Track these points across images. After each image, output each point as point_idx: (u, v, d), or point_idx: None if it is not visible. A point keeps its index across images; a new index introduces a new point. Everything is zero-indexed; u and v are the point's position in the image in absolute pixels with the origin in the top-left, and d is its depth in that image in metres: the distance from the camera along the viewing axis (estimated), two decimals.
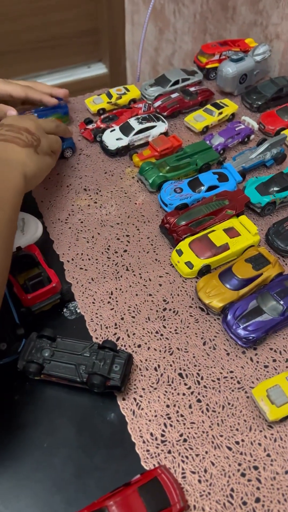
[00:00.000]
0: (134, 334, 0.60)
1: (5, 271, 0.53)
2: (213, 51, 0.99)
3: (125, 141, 0.82)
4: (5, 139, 0.62)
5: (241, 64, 0.93)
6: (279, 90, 0.93)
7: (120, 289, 0.64)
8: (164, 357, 0.57)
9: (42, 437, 0.51)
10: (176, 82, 0.95)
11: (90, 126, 0.86)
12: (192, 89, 0.94)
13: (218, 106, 0.90)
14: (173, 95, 0.92)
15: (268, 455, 0.50)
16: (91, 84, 1.89)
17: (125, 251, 0.69)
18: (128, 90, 0.94)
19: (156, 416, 0.53)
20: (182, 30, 1.40)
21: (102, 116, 0.88)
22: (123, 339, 0.59)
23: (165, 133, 0.86)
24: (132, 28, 1.74)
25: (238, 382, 0.56)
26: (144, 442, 0.51)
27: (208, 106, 0.90)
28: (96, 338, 0.59)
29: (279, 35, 1.02)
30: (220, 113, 0.89)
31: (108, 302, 0.63)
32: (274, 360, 0.58)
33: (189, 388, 0.55)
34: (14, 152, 0.62)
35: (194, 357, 0.58)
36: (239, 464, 0.50)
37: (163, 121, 0.86)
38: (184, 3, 1.33)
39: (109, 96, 0.92)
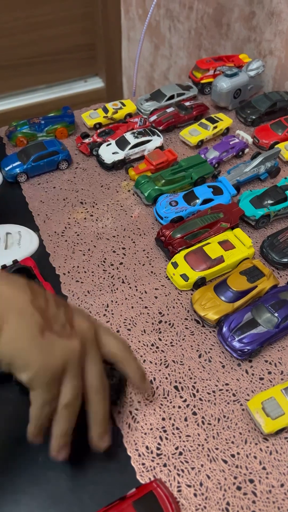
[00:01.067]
0: (129, 346, 0.60)
1: None
2: (208, 66, 1.00)
3: (121, 155, 0.83)
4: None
5: (235, 79, 0.95)
6: (272, 104, 0.94)
7: (116, 302, 0.64)
8: (159, 370, 0.58)
9: (38, 451, 0.51)
10: (172, 97, 0.96)
11: (86, 140, 0.87)
12: (187, 103, 0.95)
13: (213, 121, 0.91)
14: (169, 110, 0.93)
15: (264, 468, 0.50)
16: (87, 98, 1.91)
17: (121, 263, 0.69)
18: (124, 105, 0.95)
19: (151, 429, 0.53)
20: (177, 46, 1.43)
21: (98, 131, 0.89)
22: None
23: (161, 147, 0.87)
24: (128, 44, 1.77)
25: (234, 395, 0.56)
26: (139, 455, 0.51)
27: (203, 121, 0.91)
28: None
29: (272, 51, 1.04)
30: (215, 127, 0.90)
31: (104, 315, 0.63)
32: (269, 373, 0.58)
33: (185, 400, 0.55)
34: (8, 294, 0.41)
35: (189, 369, 0.58)
36: (235, 477, 0.49)
37: (158, 135, 0.87)
38: (179, 20, 1.35)
39: (105, 110, 0.94)
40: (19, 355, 0.40)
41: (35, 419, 0.42)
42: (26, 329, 0.39)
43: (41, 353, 0.40)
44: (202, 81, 1.01)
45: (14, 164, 0.80)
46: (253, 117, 0.94)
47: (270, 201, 0.74)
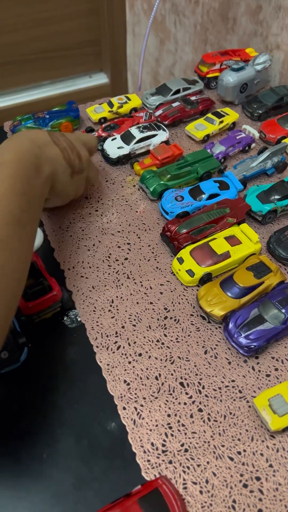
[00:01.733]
0: (135, 342, 0.59)
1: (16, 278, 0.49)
2: (214, 60, 0.99)
3: (126, 149, 0.83)
4: (58, 144, 0.62)
5: (241, 74, 0.93)
6: (279, 99, 0.93)
7: (121, 297, 0.64)
8: (165, 366, 0.57)
9: (42, 447, 0.51)
10: (177, 91, 0.96)
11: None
12: (193, 98, 0.94)
13: (219, 115, 0.90)
14: (174, 104, 0.92)
15: (271, 466, 0.49)
16: (92, 93, 1.91)
17: (126, 259, 0.69)
18: (129, 99, 0.94)
19: (157, 425, 0.52)
20: (183, 41, 1.41)
21: (103, 125, 0.88)
22: (123, 347, 0.59)
23: (166, 142, 0.86)
24: (133, 39, 1.76)
25: (240, 391, 0.55)
26: (145, 452, 0.50)
27: (209, 115, 0.90)
28: (97, 346, 0.59)
29: (279, 45, 1.02)
30: (221, 122, 0.89)
31: (109, 310, 0.62)
32: (276, 369, 0.57)
33: (190, 397, 0.54)
34: (56, 157, 0.61)
35: (195, 366, 0.57)
36: (241, 475, 0.49)
37: (164, 130, 0.86)
38: (185, 14, 1.34)
39: (110, 105, 0.93)
40: (64, 193, 0.68)
41: None
42: (66, 178, 0.64)
43: (74, 189, 0.69)
44: (208, 76, 1.00)
45: None
46: (260, 111, 0.93)
47: (277, 196, 0.73)
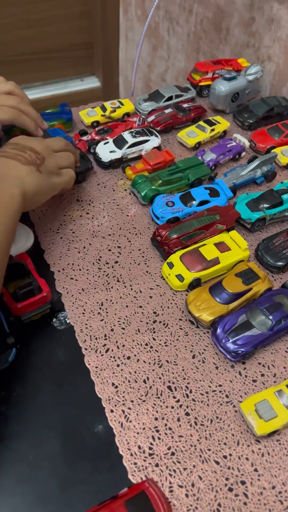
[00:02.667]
0: (123, 345, 0.59)
1: None
2: (207, 69, 1.01)
3: (118, 153, 0.83)
4: (7, 155, 0.62)
5: (233, 83, 0.95)
6: (270, 109, 0.95)
7: (111, 300, 0.64)
8: (153, 370, 0.57)
9: (27, 449, 0.50)
10: (170, 98, 0.97)
11: (84, 138, 0.87)
12: (185, 105, 0.95)
13: (210, 123, 0.91)
14: (167, 111, 0.93)
15: (256, 470, 0.50)
16: (83, 97, 1.91)
17: (116, 262, 0.69)
18: (122, 104, 0.95)
19: (144, 428, 0.52)
20: (176, 48, 1.43)
21: (97, 128, 0.88)
22: (112, 350, 0.59)
23: (158, 148, 0.87)
24: (126, 44, 1.77)
25: (227, 396, 0.56)
26: (131, 455, 0.50)
27: (201, 123, 0.92)
28: (86, 349, 0.59)
29: (270, 56, 1.04)
30: (212, 130, 0.90)
31: (98, 313, 0.63)
32: (263, 375, 0.58)
33: (178, 401, 0.55)
34: (15, 168, 0.61)
35: (183, 370, 0.58)
36: (227, 479, 0.49)
37: (156, 136, 0.87)
38: (179, 22, 1.36)
39: (103, 109, 0.93)
40: (42, 191, 0.65)
41: None
42: (34, 177, 0.63)
43: (51, 182, 0.66)
44: (201, 84, 1.01)
45: None
46: (250, 121, 0.94)
47: (266, 205, 0.75)
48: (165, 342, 0.60)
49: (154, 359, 0.58)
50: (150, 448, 0.51)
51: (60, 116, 0.89)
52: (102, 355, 0.58)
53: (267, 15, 1.01)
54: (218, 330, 0.60)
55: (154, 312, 0.63)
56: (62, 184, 0.69)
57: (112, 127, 0.88)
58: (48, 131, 0.83)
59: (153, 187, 0.77)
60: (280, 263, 0.68)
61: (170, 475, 0.49)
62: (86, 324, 0.61)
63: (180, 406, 0.54)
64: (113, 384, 0.56)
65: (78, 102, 1.00)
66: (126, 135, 0.85)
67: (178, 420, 0.53)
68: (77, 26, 1.77)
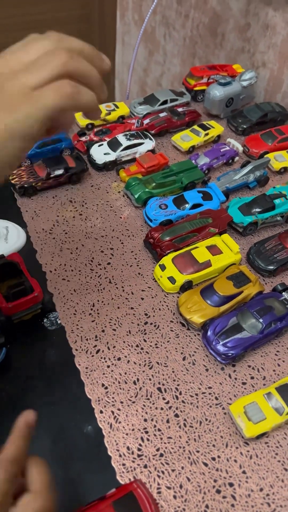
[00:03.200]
0: (114, 347, 0.59)
1: None
2: (202, 74, 1.01)
3: (112, 156, 0.83)
4: None
5: (228, 88, 0.96)
6: (264, 115, 0.95)
7: (102, 301, 0.64)
8: (143, 371, 0.57)
9: None
10: (165, 102, 0.97)
11: (83, 138, 0.87)
12: (180, 109, 0.96)
13: (204, 127, 0.92)
14: (161, 114, 0.94)
15: (244, 472, 0.50)
16: None
17: (109, 263, 0.69)
18: (117, 107, 0.95)
19: (133, 430, 0.52)
20: (172, 53, 1.44)
21: (95, 129, 0.89)
22: (103, 351, 0.59)
23: (152, 151, 0.87)
24: (122, 48, 1.78)
25: (216, 398, 0.56)
26: (120, 456, 0.50)
27: (195, 127, 0.92)
28: (76, 349, 0.59)
29: (265, 63, 1.05)
30: (206, 134, 0.91)
31: (90, 314, 0.63)
32: (252, 377, 0.58)
33: (167, 402, 0.55)
34: None
35: (173, 371, 0.58)
36: (215, 481, 0.49)
37: (150, 139, 0.87)
38: (175, 27, 1.37)
39: None
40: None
41: None
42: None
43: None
44: (196, 88, 1.02)
45: None
46: (244, 126, 0.95)
47: (258, 209, 0.75)
48: (155, 344, 0.60)
49: (145, 361, 0.58)
50: (139, 449, 0.51)
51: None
52: (92, 356, 0.58)
53: (262, 21, 1.02)
54: (209, 333, 0.60)
55: (146, 314, 0.63)
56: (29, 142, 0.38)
57: (110, 128, 0.89)
58: None
59: (146, 189, 0.78)
60: (271, 267, 0.69)
61: (159, 476, 0.49)
62: (77, 325, 0.61)
63: (170, 407, 0.55)
64: (103, 385, 0.56)
65: None
66: (121, 137, 0.85)
67: (168, 421, 0.53)
68: (74, 29, 1.78)
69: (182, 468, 0.50)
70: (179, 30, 1.35)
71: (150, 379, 0.57)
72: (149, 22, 1.48)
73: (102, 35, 1.78)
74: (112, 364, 0.58)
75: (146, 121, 0.92)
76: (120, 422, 0.53)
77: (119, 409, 0.54)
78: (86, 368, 0.57)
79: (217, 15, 1.16)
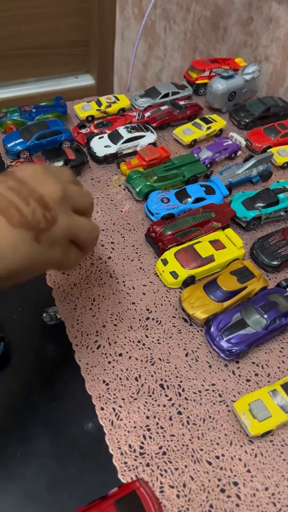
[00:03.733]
0: (115, 342, 0.58)
1: None
2: (204, 67, 1.00)
3: (113, 148, 0.82)
4: None
5: (230, 82, 0.94)
6: (266, 109, 0.94)
7: (103, 296, 0.63)
8: (145, 367, 0.56)
9: (15, 446, 0.49)
10: (166, 95, 0.96)
11: (83, 131, 0.86)
12: (181, 102, 0.94)
13: (206, 121, 0.90)
14: (163, 107, 0.92)
15: (249, 471, 0.49)
16: (78, 94, 1.88)
17: (109, 258, 0.68)
18: (118, 99, 0.94)
19: (135, 427, 0.51)
20: (172, 47, 1.42)
21: (96, 122, 0.87)
22: (104, 347, 0.57)
23: (154, 144, 0.86)
24: (121, 43, 1.76)
25: (220, 395, 0.55)
26: (122, 454, 0.49)
27: (197, 120, 0.91)
28: (76, 345, 0.57)
29: (268, 57, 1.04)
30: (209, 128, 0.89)
31: (90, 309, 0.61)
32: (256, 374, 0.57)
33: (170, 399, 0.54)
34: None
35: (176, 368, 0.56)
36: (219, 480, 0.48)
37: (152, 132, 0.86)
38: (176, 21, 1.35)
39: (99, 103, 0.92)
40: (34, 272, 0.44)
41: None
42: (26, 248, 0.40)
43: (42, 257, 0.42)
44: (197, 82, 1.00)
45: (16, 141, 0.80)
46: (247, 120, 0.94)
47: (261, 204, 0.74)
48: (157, 340, 0.59)
49: (147, 357, 0.57)
50: (141, 447, 0.50)
51: (54, 109, 0.88)
52: (93, 351, 0.57)
53: (265, 15, 1.01)
54: (212, 328, 0.59)
55: (147, 309, 0.62)
56: (66, 261, 0.45)
57: (111, 120, 0.87)
58: (48, 122, 0.82)
59: (148, 183, 0.76)
60: (275, 262, 0.68)
61: (161, 475, 0.48)
62: (77, 320, 0.60)
63: (172, 404, 0.53)
64: (104, 381, 0.54)
65: (72, 100, 0.99)
66: (122, 130, 0.84)
67: (170, 419, 0.52)
68: (74, 23, 1.76)
69: (186, 466, 0.49)
70: (180, 24, 1.34)
71: (152, 376, 0.55)
72: (150, 16, 1.47)
73: (101, 29, 1.76)
74: (113, 360, 0.56)
75: (147, 114, 0.91)
76: (121, 420, 0.51)
77: (120, 406, 0.52)
78: (87, 364, 0.56)
79: (219, 9, 1.15)
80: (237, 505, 0.47)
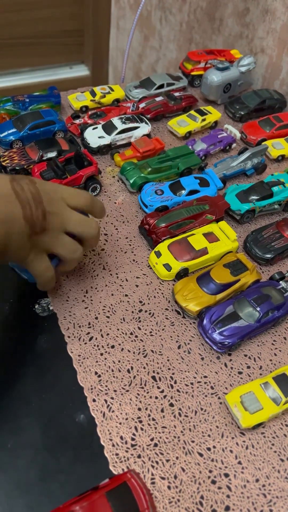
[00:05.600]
0: (108, 334, 0.58)
1: None
2: (199, 58, 0.99)
3: (107, 139, 0.81)
4: (19, 194, 0.49)
5: (226, 73, 0.94)
6: (261, 102, 0.94)
7: (96, 288, 0.62)
8: (137, 359, 0.56)
9: (6, 437, 0.49)
10: (161, 86, 0.95)
11: (77, 121, 0.85)
12: (176, 94, 0.93)
13: (201, 113, 0.90)
14: (158, 99, 0.91)
15: (239, 463, 0.49)
16: (72, 85, 1.86)
17: (103, 249, 0.67)
18: (112, 90, 0.93)
19: (127, 419, 0.51)
20: (168, 38, 1.41)
21: (90, 112, 0.87)
22: (96, 339, 0.57)
23: (148, 135, 0.85)
24: (117, 33, 1.74)
25: (212, 388, 0.55)
26: (113, 445, 0.49)
27: (192, 112, 0.90)
28: (68, 336, 0.57)
29: (264, 49, 1.03)
30: (204, 120, 0.89)
31: (83, 301, 0.61)
32: (248, 367, 0.57)
33: (162, 391, 0.54)
34: (11, 215, 0.48)
35: (168, 360, 0.56)
36: (210, 471, 0.48)
37: (146, 123, 0.85)
38: (171, 11, 1.34)
39: (93, 94, 0.91)
40: (18, 257, 0.52)
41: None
42: (21, 240, 0.50)
43: (34, 252, 0.52)
44: (193, 73, 1.00)
45: (9, 131, 0.79)
46: (242, 112, 0.93)
47: (256, 197, 0.74)
48: (150, 332, 0.59)
49: (139, 349, 0.57)
50: (133, 439, 0.50)
51: (48, 99, 0.87)
52: (85, 343, 0.57)
53: (262, 6, 1.00)
54: (205, 321, 0.59)
55: (140, 301, 0.62)
56: (35, 274, 0.54)
57: (105, 111, 0.87)
58: (41, 112, 0.81)
59: (142, 174, 0.76)
60: (269, 255, 0.68)
61: (153, 466, 0.48)
62: (69, 312, 0.59)
63: (164, 396, 0.53)
64: (96, 373, 0.54)
65: (66, 90, 0.98)
66: (116, 121, 0.83)
67: (162, 411, 0.52)
68: (68, 13, 1.73)
69: (177, 458, 0.49)
70: (175, 15, 1.33)
71: (144, 368, 0.55)
72: (145, 6, 1.45)
73: (96, 19, 1.74)
74: (106, 352, 0.56)
75: (141, 105, 0.90)
76: (113, 411, 0.51)
77: (112, 398, 0.52)
78: (79, 355, 0.55)
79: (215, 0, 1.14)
80: (228, 496, 0.47)
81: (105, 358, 0.56)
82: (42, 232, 0.51)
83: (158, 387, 0.54)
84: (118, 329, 0.59)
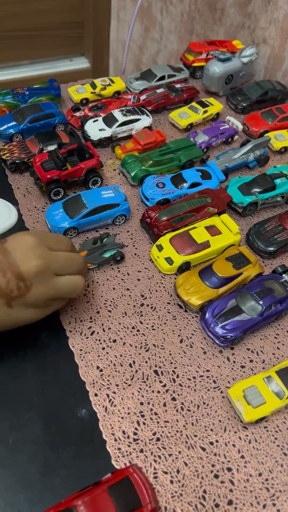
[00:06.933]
0: (109, 328, 0.57)
1: None
2: (201, 49, 0.98)
3: (108, 132, 0.80)
4: None
5: (228, 65, 0.93)
6: (264, 93, 0.93)
7: (97, 282, 0.62)
8: (139, 353, 0.56)
9: (8, 432, 0.48)
10: (162, 78, 0.94)
11: (77, 114, 0.84)
12: (177, 85, 0.92)
13: (203, 105, 0.89)
14: (159, 90, 0.91)
15: (242, 457, 0.49)
16: (72, 77, 1.84)
17: None
18: (113, 82, 0.92)
19: (129, 413, 0.51)
20: (169, 29, 1.39)
21: (90, 105, 0.86)
22: (98, 333, 0.57)
23: (149, 128, 0.84)
24: (117, 24, 1.72)
25: (214, 382, 0.54)
26: (115, 440, 0.49)
27: (193, 104, 0.89)
28: (70, 331, 0.57)
29: (266, 39, 1.02)
30: (205, 112, 0.88)
31: (85, 295, 0.60)
32: (251, 361, 0.57)
33: (164, 385, 0.53)
34: None
35: (170, 354, 0.56)
36: (213, 465, 0.48)
37: (147, 115, 0.84)
38: (172, 2, 1.32)
39: (93, 86, 0.90)
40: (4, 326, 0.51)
41: None
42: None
43: (12, 318, 0.50)
44: (194, 64, 0.98)
45: (9, 124, 0.79)
46: (244, 104, 0.92)
47: (258, 189, 0.73)
48: (152, 326, 0.58)
49: (141, 343, 0.57)
50: (135, 433, 0.49)
51: (48, 91, 0.86)
52: (87, 337, 0.56)
53: None
54: (207, 315, 0.58)
55: (142, 295, 0.61)
56: (39, 317, 0.52)
57: (106, 103, 0.86)
58: (41, 105, 0.80)
59: (143, 167, 0.75)
60: (271, 248, 0.67)
61: (155, 461, 0.48)
62: (71, 306, 0.59)
63: (167, 391, 0.53)
64: (97, 367, 0.54)
65: (66, 83, 0.97)
66: (117, 113, 0.82)
67: (164, 405, 0.52)
68: (68, 4, 1.72)
69: (179, 452, 0.49)
70: (176, 5, 1.31)
71: (146, 362, 0.55)
72: None
73: (96, 11, 1.72)
74: (108, 346, 0.56)
75: (142, 97, 0.89)
76: (115, 406, 0.51)
77: (114, 392, 0.52)
78: (81, 350, 0.55)
79: None
80: (231, 490, 0.47)
81: (107, 353, 0.55)
82: (26, 292, 0.48)
83: (160, 381, 0.54)
84: (119, 323, 0.58)
